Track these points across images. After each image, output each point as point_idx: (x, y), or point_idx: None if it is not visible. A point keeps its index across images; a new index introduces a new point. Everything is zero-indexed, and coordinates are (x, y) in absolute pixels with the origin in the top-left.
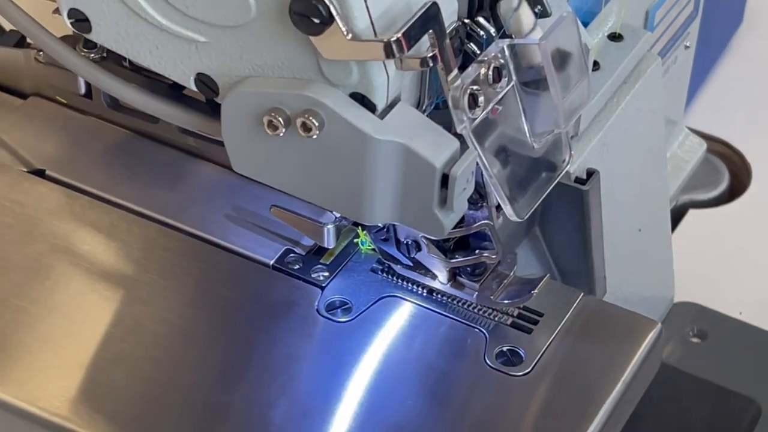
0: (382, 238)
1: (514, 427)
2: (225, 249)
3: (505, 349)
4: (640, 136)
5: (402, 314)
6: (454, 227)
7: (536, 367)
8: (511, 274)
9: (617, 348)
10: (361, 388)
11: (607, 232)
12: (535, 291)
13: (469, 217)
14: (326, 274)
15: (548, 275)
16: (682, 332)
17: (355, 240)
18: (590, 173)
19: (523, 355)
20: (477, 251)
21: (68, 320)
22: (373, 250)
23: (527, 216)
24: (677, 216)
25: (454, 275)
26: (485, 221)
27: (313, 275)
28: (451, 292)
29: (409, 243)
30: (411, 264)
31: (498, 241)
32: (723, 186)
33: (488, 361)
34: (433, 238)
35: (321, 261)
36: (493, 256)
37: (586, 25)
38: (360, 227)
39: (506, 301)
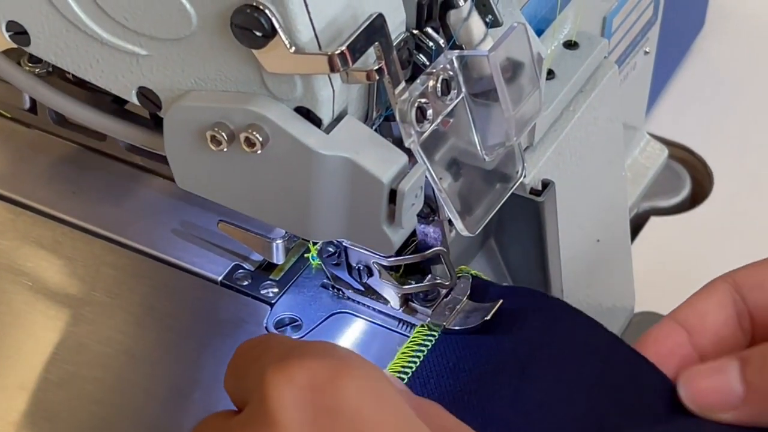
0: (334, 263)
1: None
2: (172, 265)
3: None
4: (598, 145)
5: (354, 331)
6: (407, 253)
7: None
8: (464, 299)
9: None
10: None
11: (564, 243)
12: (488, 317)
13: (421, 233)
14: (275, 290)
15: (501, 301)
16: None
17: (306, 255)
18: (546, 184)
19: None
20: (429, 276)
21: (10, 340)
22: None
23: (479, 231)
24: (638, 223)
25: (406, 301)
26: (438, 248)
27: (262, 291)
28: (403, 318)
29: (361, 268)
30: (362, 289)
31: (451, 268)
32: (685, 192)
33: None
34: (383, 256)
35: (270, 277)
36: (446, 283)
37: (540, 32)
38: (311, 242)
39: (458, 328)
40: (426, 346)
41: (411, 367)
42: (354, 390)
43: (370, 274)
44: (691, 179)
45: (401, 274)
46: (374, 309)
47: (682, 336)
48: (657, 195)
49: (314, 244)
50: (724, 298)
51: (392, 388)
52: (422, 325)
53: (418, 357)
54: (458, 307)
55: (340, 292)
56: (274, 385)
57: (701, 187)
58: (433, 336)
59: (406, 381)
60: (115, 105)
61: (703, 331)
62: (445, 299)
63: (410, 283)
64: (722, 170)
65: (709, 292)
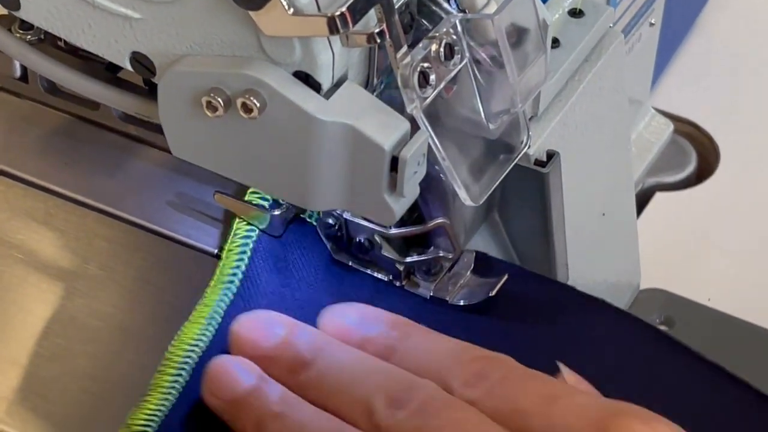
0: (334, 235)
1: None
2: (167, 238)
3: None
4: (603, 116)
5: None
6: (410, 226)
7: None
8: (468, 273)
9: None
10: None
11: (568, 216)
12: (493, 293)
13: (424, 207)
14: None
15: (506, 276)
16: (649, 319)
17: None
18: (550, 155)
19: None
20: (432, 249)
21: (1, 314)
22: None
23: (483, 200)
24: (643, 199)
25: (408, 274)
26: (442, 220)
27: None
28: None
29: (362, 241)
30: (363, 262)
31: (455, 240)
32: (690, 168)
33: None
34: (385, 228)
35: None
36: (449, 256)
37: (545, 0)
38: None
39: (462, 303)
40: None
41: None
42: None
43: (372, 246)
44: (697, 155)
45: (403, 247)
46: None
47: None
48: (662, 170)
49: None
50: None
51: None
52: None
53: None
54: (461, 281)
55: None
56: None
57: (707, 163)
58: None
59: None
60: (108, 73)
61: None
62: (448, 273)
63: (412, 257)
64: (728, 146)
65: None
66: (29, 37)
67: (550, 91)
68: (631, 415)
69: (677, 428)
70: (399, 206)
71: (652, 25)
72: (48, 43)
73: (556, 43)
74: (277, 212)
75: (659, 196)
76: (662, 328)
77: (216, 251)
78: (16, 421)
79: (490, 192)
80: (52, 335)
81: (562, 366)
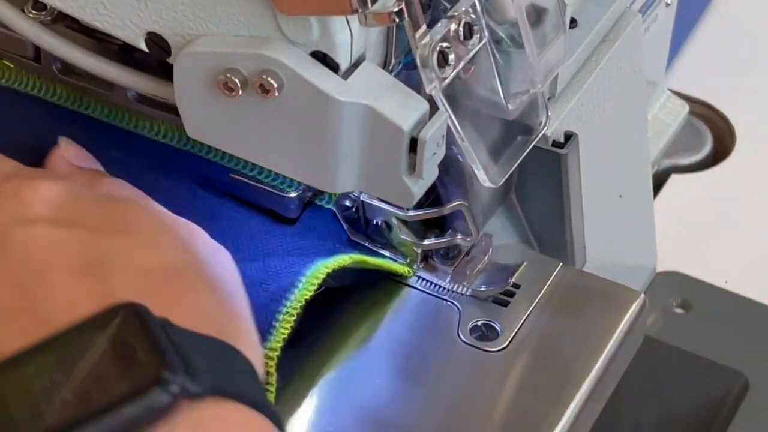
0: (352, 218)
1: (489, 406)
2: None
3: (479, 323)
4: (621, 97)
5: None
6: (428, 208)
7: (513, 342)
8: (486, 258)
9: (598, 321)
10: (326, 367)
11: (586, 198)
12: (512, 279)
13: (441, 189)
14: None
15: (525, 262)
16: (665, 303)
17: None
18: (568, 136)
19: (499, 329)
20: (450, 232)
21: None
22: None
23: (502, 182)
24: (659, 181)
25: (426, 258)
26: (460, 202)
27: None
28: (422, 276)
29: (379, 223)
30: (380, 245)
31: (473, 223)
32: (706, 150)
33: (462, 336)
34: (402, 210)
35: None
36: (468, 239)
37: None
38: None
39: (482, 288)
40: None
41: None
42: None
43: (389, 229)
44: (713, 136)
45: (422, 230)
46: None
47: None
48: (678, 152)
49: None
50: None
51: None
52: None
53: None
54: (480, 266)
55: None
56: None
57: (723, 144)
58: None
59: None
60: (122, 53)
61: None
62: (466, 257)
63: (431, 240)
64: (744, 127)
65: None
66: (42, 16)
67: (568, 72)
68: (21, 176)
69: (64, 185)
70: (418, 188)
71: (668, 5)
72: (61, 23)
73: (573, 22)
74: (293, 194)
75: (675, 178)
76: (679, 311)
77: None
78: None
79: (509, 173)
80: None
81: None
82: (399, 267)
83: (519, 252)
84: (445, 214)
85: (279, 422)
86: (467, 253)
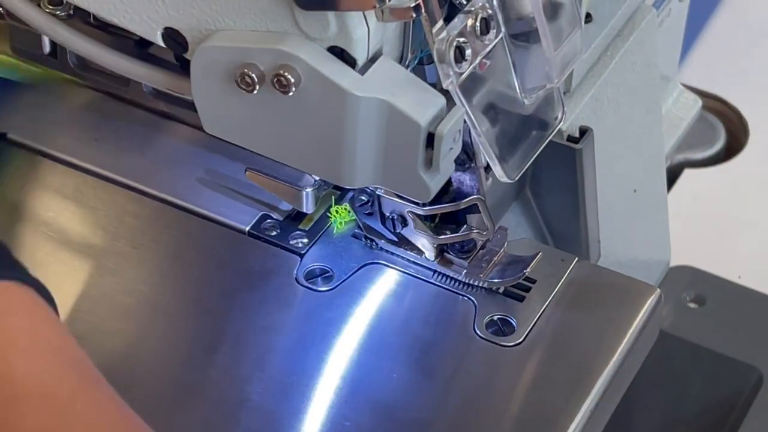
0: (366, 212)
1: (505, 401)
2: (198, 215)
3: (495, 318)
4: (635, 92)
5: (386, 282)
6: (444, 202)
7: (529, 337)
8: (501, 251)
9: (614, 315)
10: (343, 361)
11: (601, 193)
12: (528, 270)
13: (456, 180)
14: (305, 240)
15: (541, 253)
16: (679, 297)
17: (328, 214)
18: (583, 131)
19: (514, 324)
20: (465, 227)
21: None
22: (355, 220)
23: (518, 177)
24: (672, 176)
25: (441, 252)
26: (476, 196)
27: (291, 242)
28: (438, 270)
29: (395, 217)
30: (396, 239)
31: (489, 217)
32: (719, 144)
33: (478, 331)
34: (418, 205)
35: (299, 227)
36: (483, 233)
37: None
38: (334, 207)
39: (497, 280)
40: None
41: None
42: None
43: (404, 223)
44: (726, 131)
45: (436, 224)
46: (408, 259)
47: None
48: (691, 147)
49: (336, 203)
50: None
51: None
52: None
53: None
54: (495, 259)
55: (373, 243)
56: None
57: (736, 139)
58: None
59: None
60: (139, 49)
61: None
62: (481, 251)
63: (445, 234)
64: (758, 121)
65: None
66: (59, 12)
67: (583, 67)
68: None
69: None
70: (434, 182)
71: (681, 0)
72: (77, 18)
73: (588, 17)
74: (309, 189)
75: (688, 173)
76: (692, 306)
77: (246, 228)
78: None
79: (525, 168)
80: (83, 312)
81: None
82: None
83: (533, 248)
84: (460, 209)
85: (42, 290)
86: (482, 246)
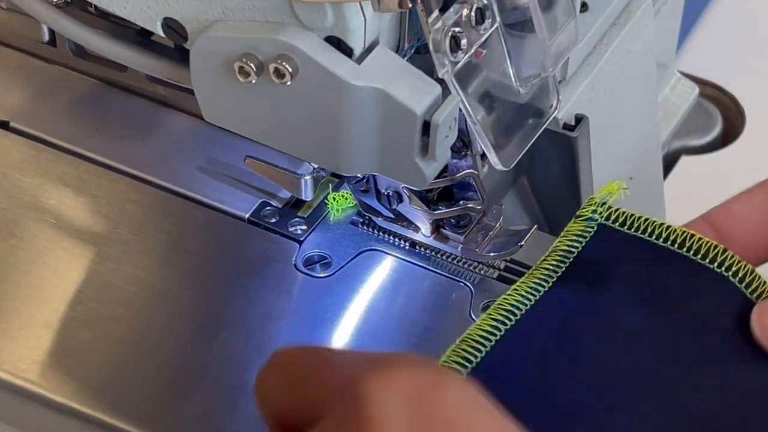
0: (362, 189)
1: None
2: (198, 203)
3: (491, 303)
4: (631, 80)
5: (384, 268)
6: (438, 177)
7: None
8: (497, 225)
9: None
10: (341, 346)
11: (597, 181)
12: (522, 243)
13: (453, 167)
14: (304, 227)
15: (536, 226)
16: None
17: (325, 201)
18: (579, 119)
19: None
20: (461, 202)
21: (34, 279)
22: (353, 207)
23: (513, 164)
24: (669, 163)
25: (437, 227)
26: (470, 170)
27: (290, 229)
28: (434, 245)
29: (390, 194)
30: (392, 216)
31: (483, 191)
32: (716, 131)
33: (474, 317)
34: (415, 189)
35: (298, 214)
36: (478, 207)
37: None
38: (332, 194)
39: (492, 254)
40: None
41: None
42: (455, 399)
43: (400, 200)
44: (723, 118)
45: (433, 202)
46: (405, 248)
47: (710, 238)
48: (688, 134)
49: (334, 190)
50: (763, 203)
51: (488, 400)
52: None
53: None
54: (491, 233)
55: (370, 229)
56: (375, 392)
57: (733, 126)
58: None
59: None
60: (138, 37)
61: (733, 236)
62: (477, 225)
63: (441, 209)
64: (754, 109)
65: (747, 195)
66: (57, 0)
67: (579, 55)
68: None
69: None
70: (431, 170)
71: None
72: (76, 6)
73: (584, 6)
74: (308, 177)
75: (685, 160)
76: None
77: (246, 215)
78: (51, 383)
79: (520, 156)
80: (85, 299)
81: None
82: None
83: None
84: (455, 183)
85: None
86: (478, 221)
